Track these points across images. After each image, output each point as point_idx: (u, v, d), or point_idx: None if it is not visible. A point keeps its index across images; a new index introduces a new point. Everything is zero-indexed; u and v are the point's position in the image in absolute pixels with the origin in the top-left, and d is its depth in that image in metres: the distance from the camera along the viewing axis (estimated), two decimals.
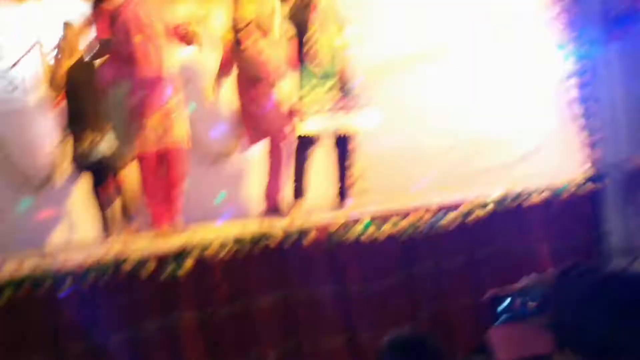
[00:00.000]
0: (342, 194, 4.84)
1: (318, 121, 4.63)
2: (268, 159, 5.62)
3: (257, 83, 5.37)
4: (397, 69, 5.99)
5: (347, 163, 4.90)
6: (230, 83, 5.48)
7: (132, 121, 4.24)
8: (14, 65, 5.19)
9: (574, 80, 4.59)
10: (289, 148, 5.27)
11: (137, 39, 4.23)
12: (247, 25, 5.36)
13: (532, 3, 4.89)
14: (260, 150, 5.64)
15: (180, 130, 4.37)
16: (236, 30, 5.35)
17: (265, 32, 5.48)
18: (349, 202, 4.78)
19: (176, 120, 4.35)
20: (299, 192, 4.75)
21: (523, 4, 4.95)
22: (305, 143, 4.71)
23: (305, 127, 4.63)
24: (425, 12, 5.66)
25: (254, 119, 5.41)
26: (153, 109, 4.26)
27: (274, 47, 5.43)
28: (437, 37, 5.60)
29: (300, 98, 4.66)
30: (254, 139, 5.54)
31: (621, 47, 4.89)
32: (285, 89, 4.80)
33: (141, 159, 4.32)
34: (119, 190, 4.97)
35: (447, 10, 5.53)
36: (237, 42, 5.37)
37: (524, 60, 4.80)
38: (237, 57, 5.45)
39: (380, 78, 5.97)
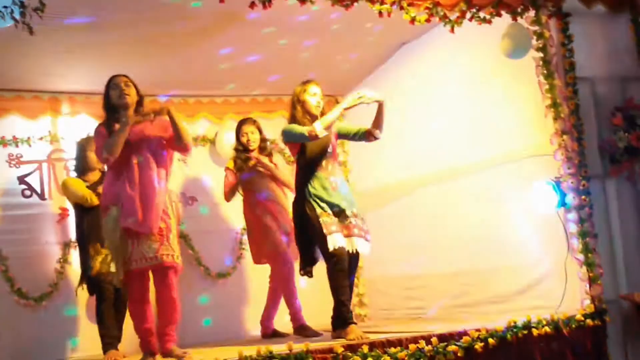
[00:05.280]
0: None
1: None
2: (269, 283, 5.57)
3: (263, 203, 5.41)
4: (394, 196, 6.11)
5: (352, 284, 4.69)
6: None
7: (123, 242, 4.10)
8: (29, 174, 5.35)
9: (573, 215, 4.66)
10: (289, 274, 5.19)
11: (135, 160, 4.15)
12: (254, 148, 5.47)
13: (531, 137, 5.04)
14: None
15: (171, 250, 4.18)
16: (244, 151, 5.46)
17: (271, 154, 5.59)
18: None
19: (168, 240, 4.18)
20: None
21: (523, 138, 5.10)
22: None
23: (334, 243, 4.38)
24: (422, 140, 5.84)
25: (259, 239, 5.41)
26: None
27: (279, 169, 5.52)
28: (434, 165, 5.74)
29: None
30: (258, 260, 5.51)
31: (619, 184, 5.01)
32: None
33: (129, 278, 4.15)
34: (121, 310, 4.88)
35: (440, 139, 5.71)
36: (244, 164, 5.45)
37: (525, 192, 4.89)
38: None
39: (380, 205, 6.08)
